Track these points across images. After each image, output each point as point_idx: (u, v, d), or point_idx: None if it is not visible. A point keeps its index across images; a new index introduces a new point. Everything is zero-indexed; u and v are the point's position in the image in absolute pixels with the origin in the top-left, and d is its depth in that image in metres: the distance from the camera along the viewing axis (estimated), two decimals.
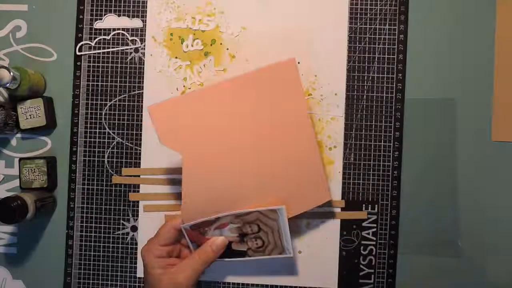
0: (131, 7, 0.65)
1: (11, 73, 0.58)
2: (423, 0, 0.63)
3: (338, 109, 0.63)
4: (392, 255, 0.63)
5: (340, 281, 0.63)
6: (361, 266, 0.63)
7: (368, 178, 0.63)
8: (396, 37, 0.63)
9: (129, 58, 0.65)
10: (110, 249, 0.65)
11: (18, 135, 0.66)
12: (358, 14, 0.63)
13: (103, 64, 0.65)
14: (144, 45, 0.65)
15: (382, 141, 0.63)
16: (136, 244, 0.64)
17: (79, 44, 0.65)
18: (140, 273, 0.64)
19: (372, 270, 0.63)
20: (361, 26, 0.63)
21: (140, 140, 0.64)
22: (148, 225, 0.64)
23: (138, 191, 0.65)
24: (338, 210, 0.63)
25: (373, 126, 0.63)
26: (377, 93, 0.63)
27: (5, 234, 0.66)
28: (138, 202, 0.64)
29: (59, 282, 0.65)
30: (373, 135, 0.63)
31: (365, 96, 0.63)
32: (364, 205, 0.63)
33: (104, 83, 0.65)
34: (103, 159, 0.65)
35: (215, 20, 0.64)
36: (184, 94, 0.64)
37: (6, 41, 0.66)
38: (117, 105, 0.65)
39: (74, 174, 0.65)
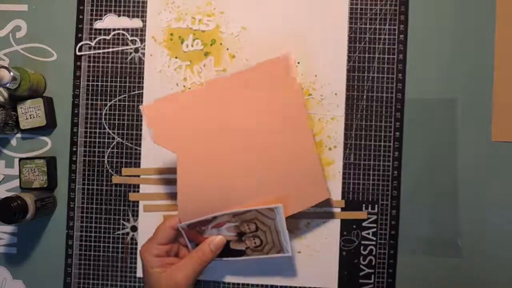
0: (131, 7, 0.65)
1: (11, 73, 0.58)
2: (423, 0, 0.63)
3: (338, 109, 0.63)
4: (392, 255, 0.63)
5: (340, 281, 0.63)
6: (361, 266, 0.63)
7: (368, 178, 0.63)
8: (396, 37, 0.63)
9: (129, 58, 0.65)
10: (110, 249, 0.65)
11: (18, 135, 0.66)
12: (358, 14, 0.63)
13: (103, 64, 0.65)
14: (144, 45, 0.65)
15: (382, 141, 0.63)
16: (136, 244, 0.64)
17: (79, 44, 0.65)
18: (140, 273, 0.64)
19: (372, 270, 0.63)
20: (361, 26, 0.63)
21: (140, 140, 0.64)
22: (148, 225, 0.64)
23: (138, 191, 0.65)
24: (338, 210, 0.63)
25: (373, 126, 0.63)
26: (377, 93, 0.63)
27: (5, 234, 0.66)
28: (138, 202, 0.64)
29: (59, 282, 0.65)
30: (373, 135, 0.63)
31: (365, 96, 0.63)
32: (364, 205, 0.63)
33: (104, 83, 0.65)
34: (103, 159, 0.65)
35: (215, 20, 0.64)
36: (177, 92, 0.63)
37: (6, 41, 0.66)
38: (117, 105, 0.65)
39: (74, 174, 0.65)
